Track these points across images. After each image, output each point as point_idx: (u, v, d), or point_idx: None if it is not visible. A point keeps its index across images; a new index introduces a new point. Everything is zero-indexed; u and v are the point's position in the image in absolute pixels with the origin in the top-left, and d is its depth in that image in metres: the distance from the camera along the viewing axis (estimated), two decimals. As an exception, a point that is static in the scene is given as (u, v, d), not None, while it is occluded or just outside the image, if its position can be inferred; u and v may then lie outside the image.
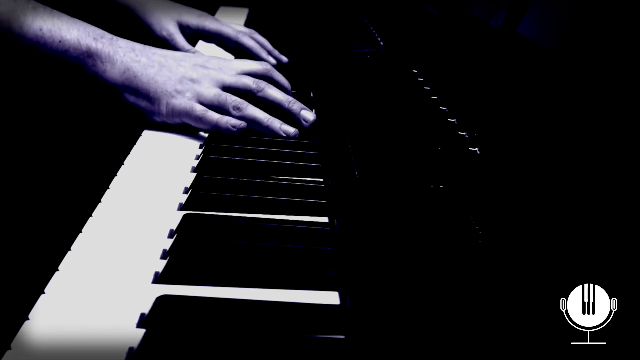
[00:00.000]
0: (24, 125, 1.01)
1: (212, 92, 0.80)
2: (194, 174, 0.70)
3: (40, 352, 0.43)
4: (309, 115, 0.85)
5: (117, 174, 0.68)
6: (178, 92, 0.79)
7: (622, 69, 0.53)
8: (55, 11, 0.77)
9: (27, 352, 0.43)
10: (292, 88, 0.93)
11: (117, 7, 1.14)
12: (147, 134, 0.80)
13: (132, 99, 0.79)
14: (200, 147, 0.78)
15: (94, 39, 0.77)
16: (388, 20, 1.28)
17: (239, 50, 1.17)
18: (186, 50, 1.09)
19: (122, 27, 0.89)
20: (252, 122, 0.81)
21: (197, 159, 0.75)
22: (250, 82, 0.84)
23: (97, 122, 1.06)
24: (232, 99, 0.80)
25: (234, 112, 0.80)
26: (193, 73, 0.81)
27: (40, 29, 0.75)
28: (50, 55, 0.76)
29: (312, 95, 0.99)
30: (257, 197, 0.65)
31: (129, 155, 0.73)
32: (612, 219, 0.46)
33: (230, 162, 0.73)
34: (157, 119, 0.81)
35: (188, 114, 0.79)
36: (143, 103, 0.79)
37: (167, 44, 1.11)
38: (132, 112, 0.80)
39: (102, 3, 1.14)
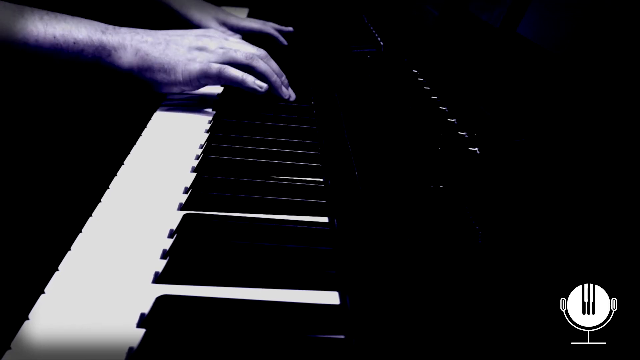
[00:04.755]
0: (23, 126, 1.01)
1: (220, 52, 0.87)
2: (194, 174, 0.70)
3: (40, 352, 0.43)
4: (292, 94, 0.95)
5: (117, 174, 0.68)
6: (189, 59, 0.85)
7: (622, 69, 0.53)
8: (58, 14, 0.79)
9: (27, 352, 0.43)
10: (293, 89, 0.97)
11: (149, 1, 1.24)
12: (146, 135, 0.80)
13: (148, 74, 0.85)
14: (200, 147, 0.78)
15: (102, 32, 0.81)
16: (388, 20, 1.28)
17: None
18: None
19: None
20: (260, 75, 0.89)
21: (197, 159, 0.75)
22: (254, 50, 0.90)
23: (96, 122, 1.06)
24: (241, 52, 0.88)
25: (245, 61, 0.88)
26: (199, 42, 0.87)
27: (54, 37, 0.78)
28: (68, 59, 0.80)
29: (312, 97, 0.99)
30: (257, 197, 0.65)
31: (129, 155, 0.73)
32: (612, 218, 0.46)
33: (230, 162, 0.73)
34: (175, 89, 0.87)
35: (206, 73, 0.85)
36: (159, 76, 0.85)
37: None
38: (133, 110, 0.83)
39: None
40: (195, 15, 1.23)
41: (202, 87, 0.89)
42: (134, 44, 0.83)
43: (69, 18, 0.80)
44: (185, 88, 0.87)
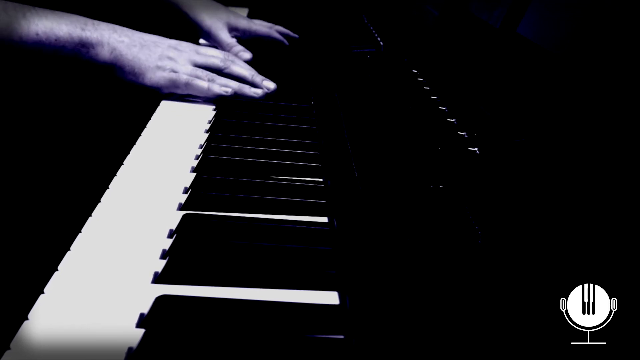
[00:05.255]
0: (22, 127, 1.01)
1: (189, 69, 0.92)
2: (194, 174, 0.70)
3: (39, 352, 0.43)
4: (270, 84, 0.97)
5: (117, 174, 0.68)
6: (159, 67, 0.90)
7: (621, 69, 0.52)
8: (40, 10, 0.82)
9: (26, 352, 0.43)
10: (293, 89, 0.99)
11: (157, 2, 1.22)
12: (146, 135, 0.80)
13: (119, 73, 0.89)
14: (200, 147, 0.78)
15: (82, 29, 0.85)
16: (388, 20, 1.28)
17: None
18: (230, 45, 1.19)
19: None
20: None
21: (197, 159, 0.75)
22: (218, 61, 0.96)
23: (95, 123, 1.06)
24: (205, 72, 0.93)
25: (207, 83, 0.93)
26: (169, 53, 0.92)
27: (37, 34, 0.81)
28: (50, 54, 0.83)
29: (312, 97, 0.99)
30: (256, 197, 0.65)
31: (129, 155, 0.73)
32: (612, 218, 0.46)
33: (230, 162, 0.73)
34: (146, 88, 0.91)
35: (174, 82, 0.90)
36: (129, 77, 0.89)
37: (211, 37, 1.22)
38: (130, 110, 0.84)
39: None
40: (206, 20, 1.22)
41: (168, 93, 0.93)
42: (111, 42, 0.87)
43: (49, 14, 0.83)
44: (154, 91, 0.91)
